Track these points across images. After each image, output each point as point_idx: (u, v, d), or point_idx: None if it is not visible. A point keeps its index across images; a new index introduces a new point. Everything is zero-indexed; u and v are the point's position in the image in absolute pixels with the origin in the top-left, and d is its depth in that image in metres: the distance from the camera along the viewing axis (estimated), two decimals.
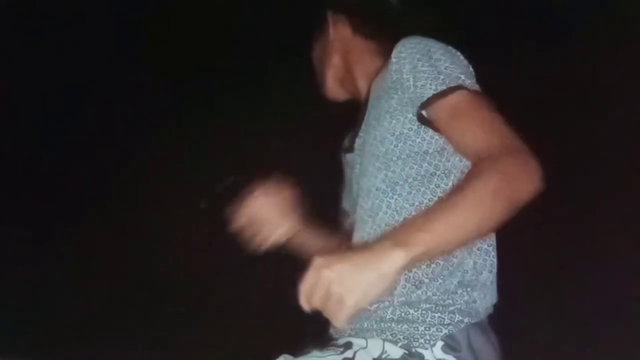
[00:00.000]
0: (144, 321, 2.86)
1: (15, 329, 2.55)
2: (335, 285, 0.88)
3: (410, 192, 1.18)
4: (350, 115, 1.36)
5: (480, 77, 1.21)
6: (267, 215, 1.42)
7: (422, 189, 1.17)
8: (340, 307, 0.88)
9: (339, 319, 0.89)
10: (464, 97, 1.12)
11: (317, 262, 0.91)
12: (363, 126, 1.30)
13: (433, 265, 1.14)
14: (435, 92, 1.13)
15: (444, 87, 1.12)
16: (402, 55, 1.20)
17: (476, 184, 0.99)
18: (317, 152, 2.71)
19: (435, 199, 1.15)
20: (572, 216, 2.73)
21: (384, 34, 1.35)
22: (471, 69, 1.21)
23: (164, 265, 2.85)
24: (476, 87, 1.15)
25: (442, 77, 1.13)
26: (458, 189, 1.01)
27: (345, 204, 1.48)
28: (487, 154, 1.04)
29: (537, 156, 1.04)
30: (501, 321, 1.21)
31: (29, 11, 2.88)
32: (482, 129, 1.09)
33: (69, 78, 2.98)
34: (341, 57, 1.43)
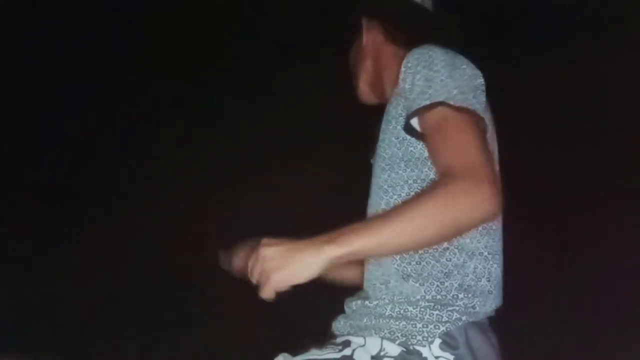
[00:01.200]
0: (143, 321, 2.86)
1: (15, 329, 2.56)
2: (266, 261, 1.03)
3: (409, 194, 1.20)
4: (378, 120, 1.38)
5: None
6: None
7: (420, 190, 1.19)
8: (266, 280, 1.03)
9: (263, 291, 1.04)
10: (443, 114, 1.13)
11: (263, 241, 1.06)
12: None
13: (423, 263, 1.17)
14: (418, 107, 1.15)
15: (427, 102, 1.14)
16: (409, 65, 1.22)
17: (422, 201, 1.06)
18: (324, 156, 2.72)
19: None
20: (573, 216, 2.73)
21: (415, 41, 1.34)
22: (478, 81, 1.21)
23: (163, 265, 2.85)
24: (469, 102, 1.15)
25: (430, 91, 1.15)
26: (407, 201, 1.13)
27: None
28: (447, 173, 1.09)
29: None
30: (501, 321, 1.21)
31: (29, 11, 2.88)
32: (451, 148, 1.11)
33: (68, 78, 2.98)
34: (373, 63, 1.45)
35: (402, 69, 1.23)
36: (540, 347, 2.59)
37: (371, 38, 1.45)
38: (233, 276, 1.65)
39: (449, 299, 1.14)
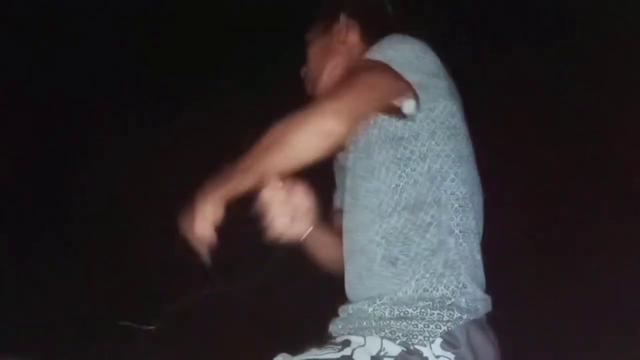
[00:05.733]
0: (143, 321, 2.85)
1: (15, 329, 2.56)
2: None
3: (387, 175, 1.22)
4: None
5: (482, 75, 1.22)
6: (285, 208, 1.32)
7: (399, 172, 1.22)
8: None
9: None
10: (369, 64, 1.21)
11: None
12: None
13: (409, 243, 1.18)
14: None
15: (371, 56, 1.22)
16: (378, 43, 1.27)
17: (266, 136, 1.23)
18: None
19: (411, 181, 1.21)
20: (572, 216, 2.73)
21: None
22: (432, 66, 1.25)
23: (163, 264, 2.85)
24: (409, 77, 1.19)
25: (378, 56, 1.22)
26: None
27: (337, 202, 1.51)
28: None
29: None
30: (500, 321, 1.21)
31: (28, 11, 2.88)
32: (339, 85, 1.20)
33: (68, 78, 2.98)
34: (342, 60, 1.45)
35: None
36: (540, 347, 2.59)
37: (348, 37, 1.46)
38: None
39: (439, 284, 1.15)
